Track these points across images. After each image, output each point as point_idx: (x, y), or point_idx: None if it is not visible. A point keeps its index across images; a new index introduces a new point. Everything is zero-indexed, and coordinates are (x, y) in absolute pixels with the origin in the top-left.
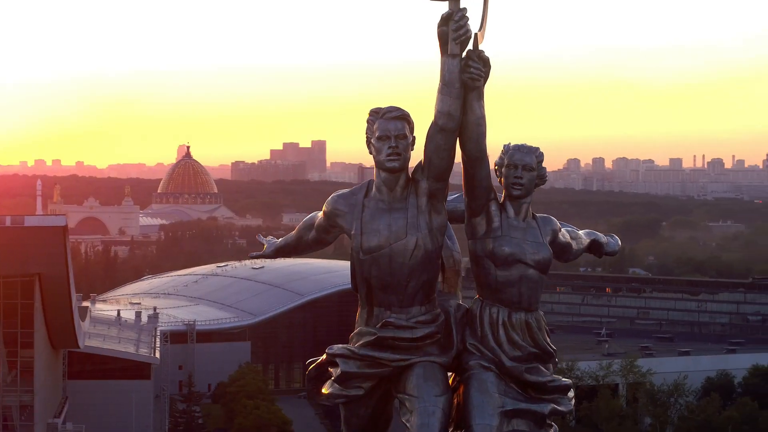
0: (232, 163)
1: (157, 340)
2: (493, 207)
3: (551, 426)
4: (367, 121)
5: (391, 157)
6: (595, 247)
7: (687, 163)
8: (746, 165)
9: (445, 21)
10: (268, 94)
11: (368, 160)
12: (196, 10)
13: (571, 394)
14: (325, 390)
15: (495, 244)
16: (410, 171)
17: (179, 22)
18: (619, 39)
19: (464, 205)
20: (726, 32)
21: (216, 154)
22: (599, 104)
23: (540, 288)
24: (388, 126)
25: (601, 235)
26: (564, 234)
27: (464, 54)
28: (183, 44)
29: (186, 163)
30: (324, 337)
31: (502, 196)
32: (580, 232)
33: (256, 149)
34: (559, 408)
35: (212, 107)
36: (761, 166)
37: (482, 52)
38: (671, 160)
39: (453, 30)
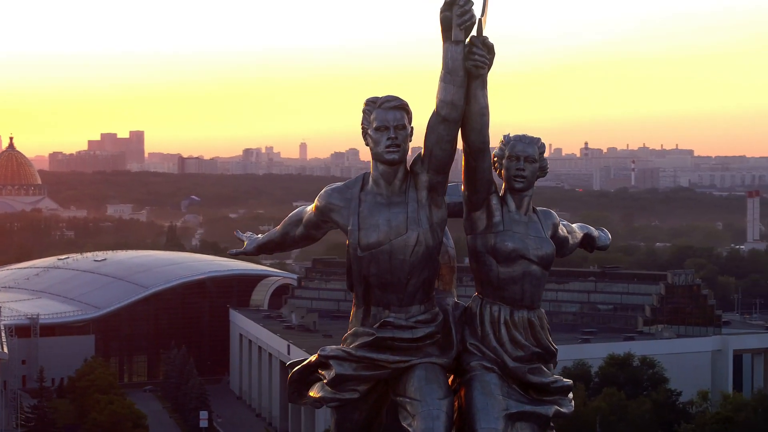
0: (50, 154)
1: (3, 334)
2: (494, 201)
3: (552, 429)
4: (363, 111)
5: (390, 149)
6: (587, 241)
7: None
8: (563, 154)
9: (448, 6)
10: (84, 84)
11: (186, 150)
12: None
13: (571, 395)
14: (314, 393)
15: (497, 239)
16: (408, 163)
17: None
18: (425, 29)
19: (462, 199)
20: (541, 23)
21: (32, 144)
22: (416, 92)
23: (542, 284)
24: (386, 116)
25: (592, 228)
26: (562, 228)
27: (467, 40)
28: None
29: (9, 154)
30: (168, 329)
31: (501, 189)
32: (574, 226)
33: (73, 140)
34: (561, 410)
35: (26, 96)
36: (578, 155)
37: (486, 38)
38: None
39: (457, 15)
